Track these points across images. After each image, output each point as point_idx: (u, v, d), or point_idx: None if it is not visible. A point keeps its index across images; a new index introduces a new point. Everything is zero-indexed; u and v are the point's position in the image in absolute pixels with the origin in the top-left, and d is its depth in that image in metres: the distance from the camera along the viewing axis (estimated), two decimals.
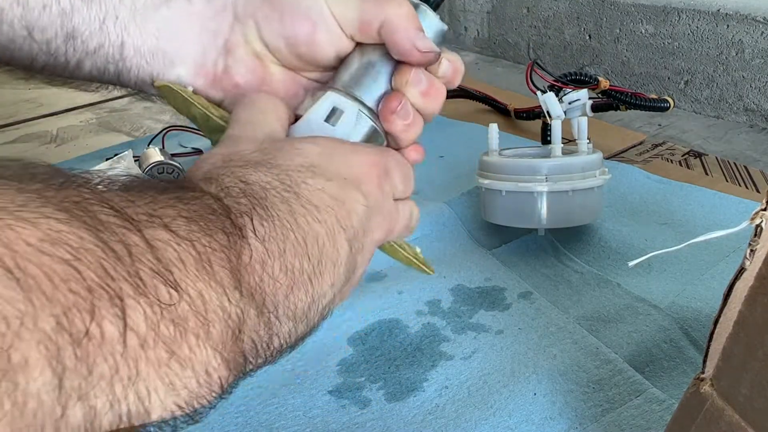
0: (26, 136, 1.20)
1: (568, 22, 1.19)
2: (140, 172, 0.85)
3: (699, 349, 0.50)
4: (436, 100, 0.35)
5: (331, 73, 0.36)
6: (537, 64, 0.82)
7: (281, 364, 0.53)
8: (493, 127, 0.68)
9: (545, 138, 0.84)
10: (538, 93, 0.78)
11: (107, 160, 0.96)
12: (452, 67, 0.36)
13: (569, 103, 0.78)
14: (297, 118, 0.35)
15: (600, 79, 0.80)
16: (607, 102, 0.83)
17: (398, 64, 0.34)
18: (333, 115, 0.34)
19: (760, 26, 0.90)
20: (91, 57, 0.33)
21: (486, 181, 0.65)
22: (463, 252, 0.67)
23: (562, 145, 0.66)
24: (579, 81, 0.80)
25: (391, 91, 0.35)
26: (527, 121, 0.98)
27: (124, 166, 0.92)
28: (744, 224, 0.27)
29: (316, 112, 0.34)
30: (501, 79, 1.24)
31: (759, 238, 0.27)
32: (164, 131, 0.97)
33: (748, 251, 0.27)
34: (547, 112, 0.76)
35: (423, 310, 0.58)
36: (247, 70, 0.34)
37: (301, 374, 0.52)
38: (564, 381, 0.48)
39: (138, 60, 0.33)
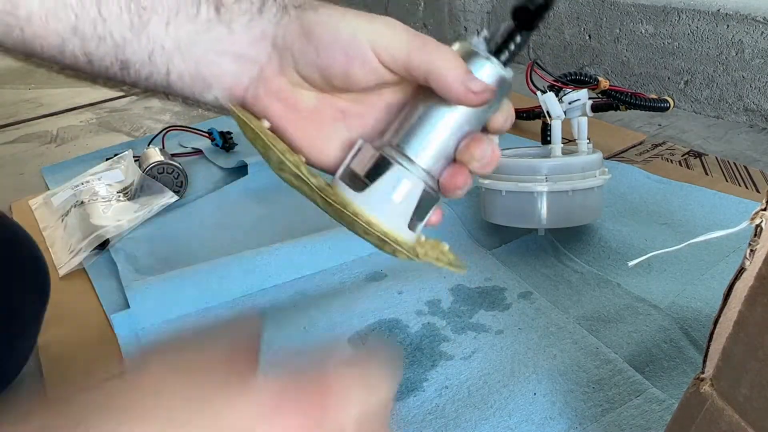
0: (26, 136, 1.20)
1: (568, 22, 1.19)
2: (140, 172, 0.85)
3: (699, 349, 0.50)
4: (491, 166, 0.34)
5: (365, 94, 0.35)
6: (537, 64, 0.82)
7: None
8: None
9: (545, 138, 0.84)
10: (538, 93, 0.78)
11: (107, 160, 0.96)
12: (509, 119, 0.36)
13: (569, 103, 0.78)
14: (349, 172, 0.34)
15: (600, 79, 0.80)
16: (607, 102, 0.83)
17: (474, 135, 0.34)
18: (399, 188, 0.34)
19: (760, 26, 0.90)
20: (144, 81, 0.35)
21: (486, 181, 0.65)
22: (463, 252, 0.67)
23: (562, 145, 0.66)
24: (579, 81, 0.80)
25: (455, 162, 0.35)
26: (527, 121, 0.98)
27: (124, 166, 0.92)
28: (744, 224, 0.27)
29: (381, 188, 0.33)
30: None
31: (759, 238, 0.27)
32: (164, 131, 0.97)
33: (748, 251, 0.27)
34: (547, 112, 0.76)
35: (423, 310, 0.58)
36: (278, 99, 0.35)
37: None
38: (564, 381, 0.48)
39: (181, 84, 0.35)
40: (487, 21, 1.38)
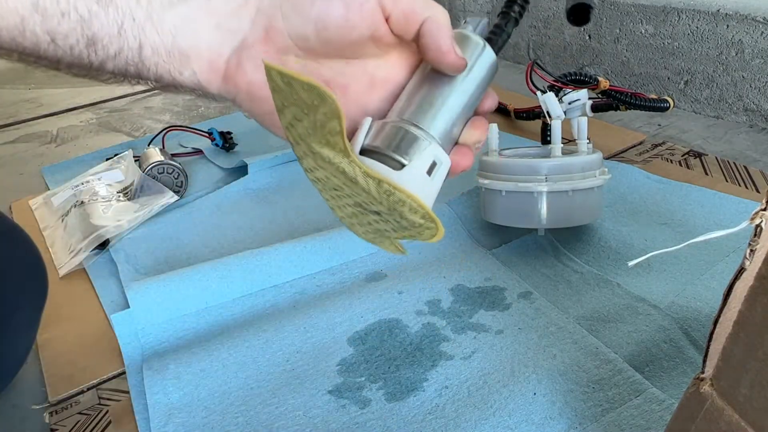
0: (26, 136, 1.20)
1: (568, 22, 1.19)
2: (141, 172, 0.85)
3: (699, 349, 0.50)
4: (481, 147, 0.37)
5: (349, 65, 0.35)
6: (537, 64, 0.82)
7: (281, 364, 0.53)
8: (493, 127, 0.68)
9: (545, 138, 0.84)
10: (538, 93, 0.78)
11: (107, 160, 0.96)
12: (495, 101, 0.37)
13: (569, 103, 0.78)
14: (377, 152, 0.34)
15: (600, 79, 0.80)
16: (607, 102, 0.83)
17: (473, 117, 0.37)
18: (432, 168, 0.35)
19: (760, 26, 0.90)
20: (113, 60, 0.33)
21: (486, 181, 0.65)
22: (463, 252, 0.67)
23: (562, 145, 0.66)
24: (579, 81, 0.80)
25: (458, 145, 0.37)
26: (527, 121, 0.98)
27: (124, 166, 0.92)
28: (744, 224, 0.27)
29: (419, 166, 0.34)
30: (501, 79, 1.24)
31: (759, 238, 0.27)
32: (164, 131, 0.97)
33: (748, 251, 0.27)
34: (547, 112, 0.76)
35: (423, 310, 0.58)
36: (262, 69, 0.33)
37: (301, 374, 0.52)
38: (564, 381, 0.48)
39: (156, 59, 0.33)
40: (487, 21, 1.38)
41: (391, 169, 0.33)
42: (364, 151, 0.34)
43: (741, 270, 0.27)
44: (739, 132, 0.94)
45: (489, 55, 0.37)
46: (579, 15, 0.34)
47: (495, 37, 0.39)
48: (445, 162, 0.35)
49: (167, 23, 0.32)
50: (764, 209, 0.27)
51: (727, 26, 0.94)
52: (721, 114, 0.99)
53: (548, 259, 0.65)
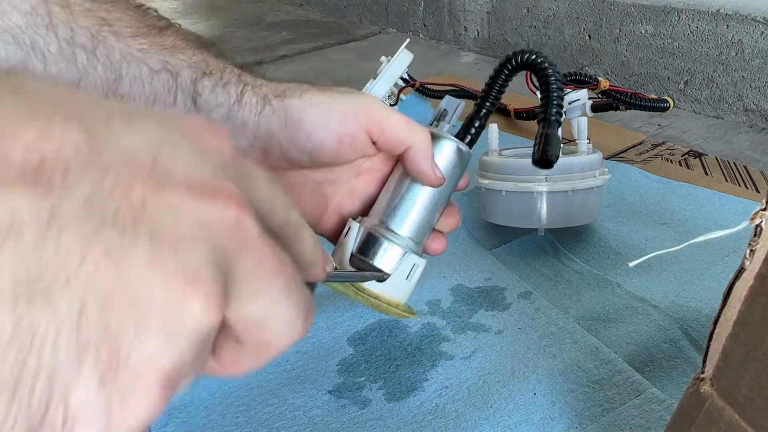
0: None
1: (568, 22, 1.19)
2: None
3: (698, 349, 0.50)
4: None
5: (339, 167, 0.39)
6: None
7: (281, 364, 0.53)
8: (493, 127, 0.68)
9: None
10: (538, 93, 0.78)
11: None
12: (467, 181, 0.42)
13: (569, 103, 0.78)
14: (361, 261, 0.40)
15: (600, 79, 0.80)
16: (607, 102, 0.83)
17: (445, 209, 0.41)
18: (415, 273, 0.40)
19: (760, 26, 0.90)
20: None
21: (486, 181, 0.65)
22: (463, 252, 0.67)
23: (562, 145, 0.66)
24: (579, 81, 0.80)
25: (434, 231, 0.42)
26: (527, 121, 0.98)
27: None
28: (744, 224, 0.27)
29: (400, 275, 0.40)
30: None
31: (759, 238, 0.27)
32: None
33: (748, 251, 0.27)
34: None
35: (423, 310, 0.58)
36: None
37: (301, 374, 0.52)
38: (564, 381, 0.48)
39: None
40: (488, 21, 1.38)
41: (376, 283, 0.40)
42: (353, 257, 0.40)
43: (741, 270, 0.27)
44: (739, 132, 0.94)
45: (463, 154, 0.41)
46: (544, 165, 0.39)
47: (470, 131, 0.42)
48: (421, 264, 0.41)
49: None
50: (764, 209, 0.27)
51: (727, 26, 0.94)
52: (721, 114, 0.99)
53: (548, 259, 0.65)
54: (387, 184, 0.41)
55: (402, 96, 1.01)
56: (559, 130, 0.40)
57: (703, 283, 0.58)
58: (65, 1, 0.32)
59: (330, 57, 1.53)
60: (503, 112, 1.02)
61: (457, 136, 0.41)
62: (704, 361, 0.30)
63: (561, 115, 0.39)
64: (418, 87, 1.02)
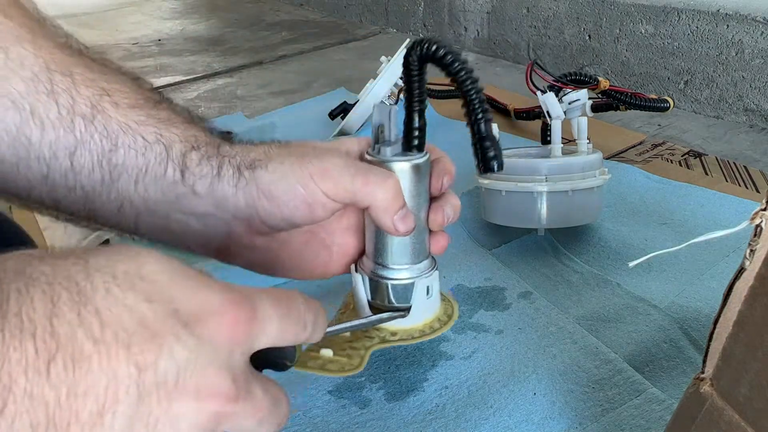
0: None
1: (568, 22, 1.19)
2: None
3: (699, 349, 0.50)
4: (458, 211, 0.43)
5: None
6: (537, 64, 0.82)
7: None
8: (493, 127, 0.68)
9: (545, 138, 0.84)
10: (538, 93, 0.78)
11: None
12: (454, 214, 0.42)
13: (569, 103, 0.78)
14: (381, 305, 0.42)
15: (600, 79, 0.80)
16: (607, 102, 0.83)
17: (434, 205, 0.42)
18: (428, 289, 0.42)
19: (760, 26, 0.90)
20: (112, 229, 0.37)
21: (486, 181, 0.65)
22: (463, 252, 0.67)
23: (562, 145, 0.66)
24: (579, 81, 0.80)
25: (432, 232, 0.43)
26: (527, 121, 0.98)
27: None
28: (743, 224, 0.27)
29: (420, 299, 0.42)
30: (501, 79, 1.24)
31: (759, 238, 0.27)
32: None
33: (748, 251, 0.27)
34: (547, 112, 0.76)
35: None
36: (253, 250, 0.39)
37: (301, 374, 0.52)
38: (564, 381, 0.48)
39: (150, 237, 0.37)
40: (488, 21, 1.38)
41: (405, 323, 0.42)
42: (372, 307, 0.42)
43: (741, 270, 0.27)
44: (739, 132, 0.94)
45: (420, 166, 0.40)
46: (491, 171, 0.38)
47: (413, 138, 0.40)
48: (431, 274, 0.42)
49: (160, 210, 0.35)
50: (764, 209, 0.27)
51: (727, 26, 0.94)
52: (721, 114, 0.99)
53: (548, 259, 0.65)
54: (367, 224, 0.42)
55: (402, 96, 1.01)
56: (494, 127, 0.37)
57: (703, 283, 0.58)
58: (67, 69, 0.33)
59: (330, 57, 1.53)
60: (503, 112, 1.02)
61: (404, 146, 0.40)
62: (704, 361, 0.30)
63: (487, 111, 0.36)
64: None
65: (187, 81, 1.41)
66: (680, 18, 1.00)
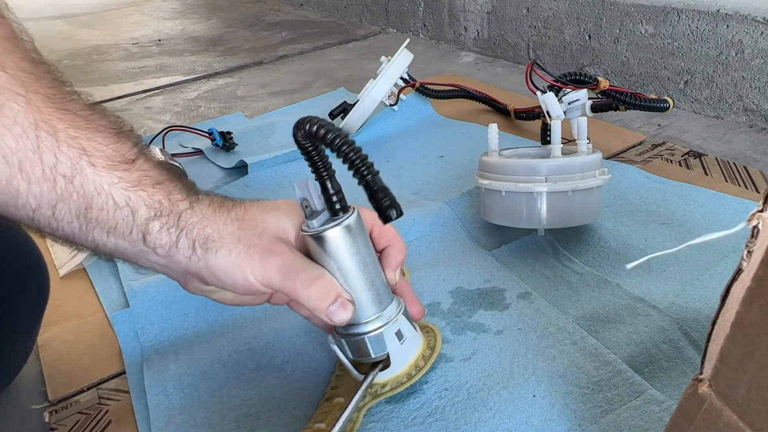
0: None
1: (568, 22, 1.19)
2: None
3: (698, 350, 0.50)
4: (403, 253, 0.48)
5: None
6: (537, 64, 0.82)
7: (282, 366, 0.54)
8: (493, 127, 0.68)
9: (545, 138, 0.84)
10: (538, 93, 0.78)
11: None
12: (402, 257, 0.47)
13: (569, 103, 0.78)
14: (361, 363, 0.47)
15: (600, 79, 0.80)
16: (607, 102, 0.83)
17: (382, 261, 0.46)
18: (400, 335, 0.46)
19: (760, 26, 0.90)
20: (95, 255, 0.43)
21: (486, 182, 0.65)
22: (463, 253, 0.67)
23: (562, 145, 0.66)
24: (579, 81, 0.80)
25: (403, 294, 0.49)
26: (527, 121, 0.98)
27: None
28: (742, 225, 0.27)
29: (394, 346, 0.46)
30: (501, 79, 1.24)
31: (756, 239, 0.27)
32: (164, 131, 0.97)
33: (745, 252, 0.27)
34: (547, 112, 0.76)
35: None
36: (209, 291, 0.46)
37: (301, 376, 0.52)
38: (563, 382, 0.48)
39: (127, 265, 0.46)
40: (488, 21, 1.38)
41: (382, 372, 0.46)
42: (355, 366, 0.46)
43: (738, 271, 0.27)
44: (739, 132, 0.94)
45: (350, 227, 0.42)
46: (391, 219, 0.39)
47: (333, 202, 0.42)
48: (399, 319, 0.45)
49: (129, 256, 0.41)
50: (761, 210, 0.27)
51: (727, 26, 0.94)
52: (721, 114, 0.99)
53: (548, 259, 0.65)
54: None
55: (402, 96, 1.01)
56: (379, 177, 0.39)
57: (702, 283, 0.58)
58: (53, 128, 0.36)
59: (330, 57, 1.53)
60: (503, 112, 1.02)
61: (330, 212, 0.43)
62: (702, 362, 0.30)
63: (371, 166, 0.38)
64: (418, 87, 1.02)
65: (187, 81, 1.41)
66: (680, 18, 1.00)
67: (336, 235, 0.42)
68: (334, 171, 0.42)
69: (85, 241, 0.39)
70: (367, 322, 0.44)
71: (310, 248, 0.43)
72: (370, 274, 0.43)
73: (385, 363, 0.45)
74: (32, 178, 0.36)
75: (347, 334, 0.45)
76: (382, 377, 0.46)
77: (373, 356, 0.45)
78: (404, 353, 0.46)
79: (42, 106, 0.36)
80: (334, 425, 0.41)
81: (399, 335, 0.45)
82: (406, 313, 0.46)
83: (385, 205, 0.38)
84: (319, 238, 0.42)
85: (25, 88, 0.35)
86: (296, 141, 0.40)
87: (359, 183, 0.39)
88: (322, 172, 0.41)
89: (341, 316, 0.42)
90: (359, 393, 0.44)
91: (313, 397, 0.50)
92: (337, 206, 0.42)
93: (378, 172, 0.39)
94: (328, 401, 0.47)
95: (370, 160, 0.39)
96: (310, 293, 0.41)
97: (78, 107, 0.38)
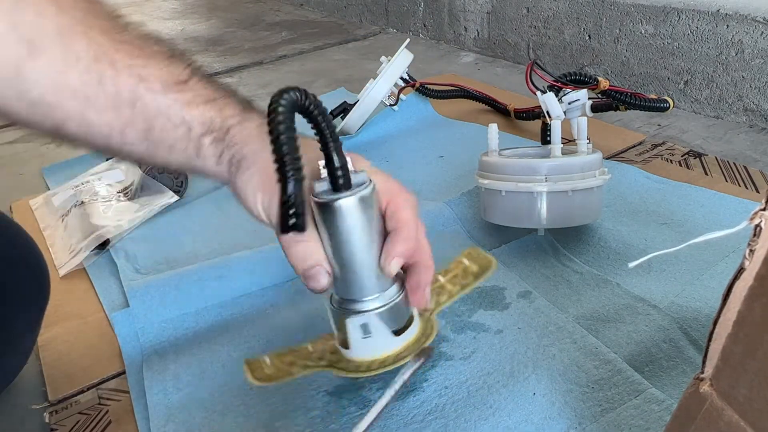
0: (26, 136, 1.20)
1: (568, 22, 1.19)
2: (141, 172, 0.85)
3: (698, 349, 0.50)
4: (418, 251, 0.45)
5: None
6: (537, 64, 0.82)
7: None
8: (493, 127, 0.68)
9: (545, 138, 0.84)
10: (538, 93, 0.78)
11: (108, 159, 0.96)
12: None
13: (569, 103, 0.78)
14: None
15: (600, 79, 0.80)
16: (607, 102, 0.83)
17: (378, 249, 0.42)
18: (365, 328, 0.43)
19: (760, 26, 0.90)
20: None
21: (486, 181, 0.65)
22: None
23: (562, 145, 0.66)
24: (579, 81, 0.80)
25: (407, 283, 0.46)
26: (527, 121, 0.98)
27: (124, 166, 0.92)
28: (743, 224, 0.27)
29: (354, 335, 0.43)
30: (501, 79, 1.24)
31: (758, 238, 0.26)
32: None
33: (747, 251, 0.27)
34: (547, 112, 0.76)
35: None
36: None
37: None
38: (563, 381, 0.48)
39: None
40: (488, 21, 1.38)
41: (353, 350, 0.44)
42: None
43: (740, 270, 0.27)
44: (739, 132, 0.94)
45: (343, 205, 0.39)
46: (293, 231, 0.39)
47: (340, 176, 0.39)
48: (367, 316, 0.42)
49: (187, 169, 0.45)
50: (763, 209, 0.27)
51: (727, 26, 0.94)
52: (721, 114, 0.99)
53: (548, 259, 0.65)
54: None
55: (402, 96, 1.01)
56: (300, 185, 0.37)
57: (703, 283, 0.58)
58: (111, 59, 0.39)
59: (330, 57, 1.53)
60: (503, 112, 1.02)
61: (332, 186, 0.40)
62: (704, 361, 0.30)
63: (299, 170, 0.36)
64: (418, 87, 1.02)
65: None
66: (680, 18, 1.00)
67: (327, 210, 0.39)
68: (341, 143, 0.39)
69: (156, 161, 0.43)
70: (345, 300, 0.43)
71: (312, 208, 0.41)
72: (356, 260, 0.41)
73: (343, 345, 0.45)
74: (99, 108, 0.39)
75: (330, 301, 0.44)
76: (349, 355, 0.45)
77: (336, 333, 0.45)
78: (366, 347, 0.44)
79: (101, 40, 0.39)
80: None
81: (364, 329, 0.43)
82: (390, 313, 0.43)
83: (290, 223, 0.38)
84: (315, 204, 0.40)
85: (83, 24, 0.38)
86: (301, 110, 0.37)
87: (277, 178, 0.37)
88: (329, 143, 0.38)
89: (312, 284, 0.42)
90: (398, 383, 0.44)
91: (312, 395, 0.50)
92: (341, 181, 0.39)
93: (303, 178, 0.37)
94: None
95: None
96: (292, 251, 0.42)
97: (132, 36, 0.41)
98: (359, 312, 0.42)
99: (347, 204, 0.39)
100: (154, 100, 0.40)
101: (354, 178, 0.40)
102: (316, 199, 0.39)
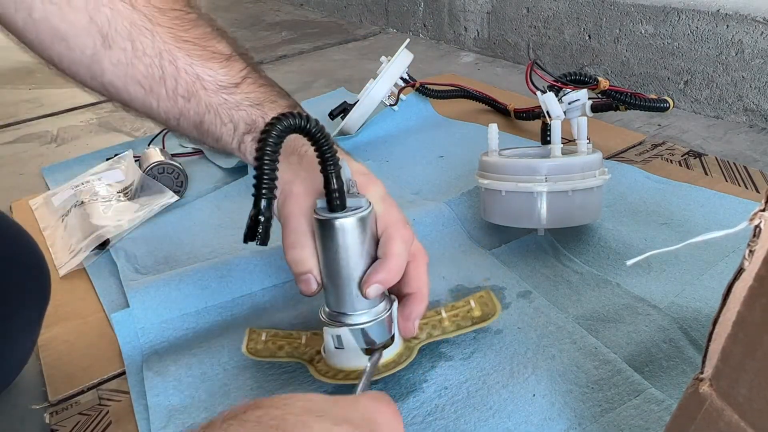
0: (26, 136, 1.20)
1: (568, 22, 1.19)
2: (141, 172, 0.85)
3: (698, 349, 0.50)
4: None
5: None
6: (537, 64, 0.82)
7: (282, 365, 0.54)
8: (493, 127, 0.68)
9: (545, 138, 0.84)
10: (538, 93, 0.78)
11: (107, 160, 0.96)
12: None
13: (569, 103, 0.78)
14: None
15: (600, 79, 0.80)
16: (607, 102, 0.83)
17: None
18: (338, 341, 0.47)
19: (760, 26, 0.90)
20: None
21: (486, 181, 0.65)
22: (463, 252, 0.67)
23: (562, 145, 0.66)
24: (579, 81, 0.80)
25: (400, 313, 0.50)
26: (527, 121, 0.98)
27: (124, 166, 0.92)
28: (743, 224, 0.27)
29: (329, 343, 0.47)
30: (501, 79, 1.24)
31: (758, 238, 0.27)
32: (164, 131, 0.97)
33: (747, 252, 0.27)
34: (547, 112, 0.76)
35: None
36: None
37: (301, 375, 0.52)
38: (563, 381, 0.48)
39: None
40: (488, 21, 1.38)
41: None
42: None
43: (740, 270, 0.27)
44: (739, 132, 0.94)
45: (365, 219, 0.44)
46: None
47: (334, 198, 0.43)
48: (341, 329, 0.45)
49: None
50: (763, 210, 0.27)
51: (727, 26, 0.94)
52: (721, 114, 0.99)
53: (548, 259, 0.65)
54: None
55: (402, 96, 1.01)
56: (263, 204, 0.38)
57: (703, 283, 0.58)
58: (173, 56, 0.45)
59: (330, 57, 1.53)
60: (503, 112, 1.02)
61: (328, 206, 0.43)
62: (703, 362, 0.30)
63: (272, 191, 0.38)
64: (418, 87, 1.02)
65: None
66: (680, 18, 1.00)
67: (320, 225, 0.44)
68: (341, 167, 0.42)
69: (206, 145, 0.50)
70: (329, 312, 0.47)
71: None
72: (340, 275, 0.44)
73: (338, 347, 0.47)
74: (160, 97, 0.46)
75: (324, 306, 0.48)
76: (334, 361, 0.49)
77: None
78: (338, 357, 0.47)
79: (166, 38, 0.44)
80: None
81: (337, 340, 0.46)
82: (363, 333, 0.46)
83: (251, 237, 0.39)
84: (314, 219, 0.44)
85: (151, 22, 0.44)
86: (304, 132, 0.38)
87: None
88: (328, 167, 0.42)
89: (303, 287, 0.45)
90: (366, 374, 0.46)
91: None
92: (336, 203, 0.43)
93: (274, 198, 0.38)
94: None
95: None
96: (289, 255, 0.45)
97: (196, 34, 0.46)
98: (336, 324, 0.46)
99: (338, 224, 0.43)
100: (207, 98, 0.46)
101: (352, 202, 0.43)
102: (315, 215, 0.44)
